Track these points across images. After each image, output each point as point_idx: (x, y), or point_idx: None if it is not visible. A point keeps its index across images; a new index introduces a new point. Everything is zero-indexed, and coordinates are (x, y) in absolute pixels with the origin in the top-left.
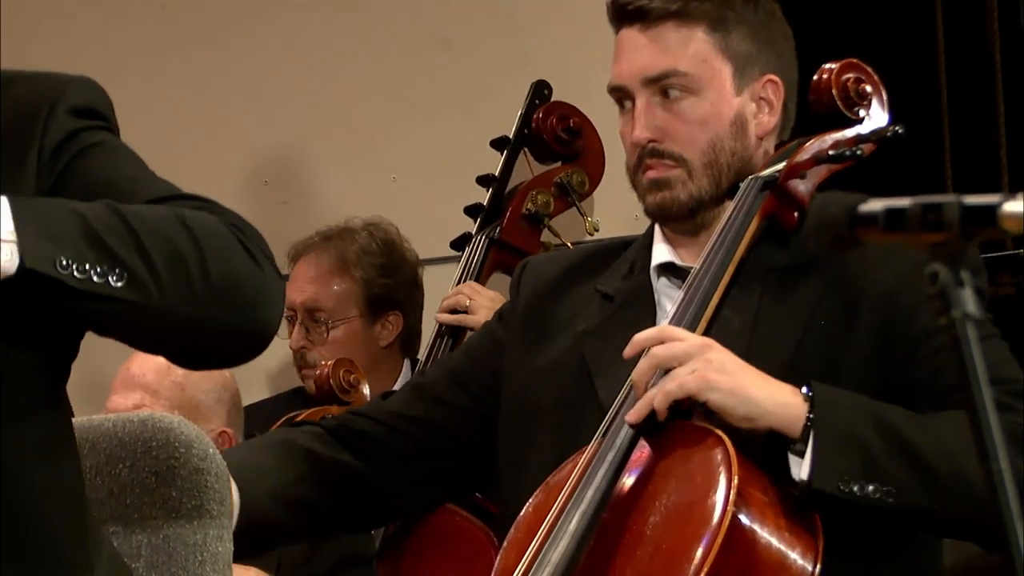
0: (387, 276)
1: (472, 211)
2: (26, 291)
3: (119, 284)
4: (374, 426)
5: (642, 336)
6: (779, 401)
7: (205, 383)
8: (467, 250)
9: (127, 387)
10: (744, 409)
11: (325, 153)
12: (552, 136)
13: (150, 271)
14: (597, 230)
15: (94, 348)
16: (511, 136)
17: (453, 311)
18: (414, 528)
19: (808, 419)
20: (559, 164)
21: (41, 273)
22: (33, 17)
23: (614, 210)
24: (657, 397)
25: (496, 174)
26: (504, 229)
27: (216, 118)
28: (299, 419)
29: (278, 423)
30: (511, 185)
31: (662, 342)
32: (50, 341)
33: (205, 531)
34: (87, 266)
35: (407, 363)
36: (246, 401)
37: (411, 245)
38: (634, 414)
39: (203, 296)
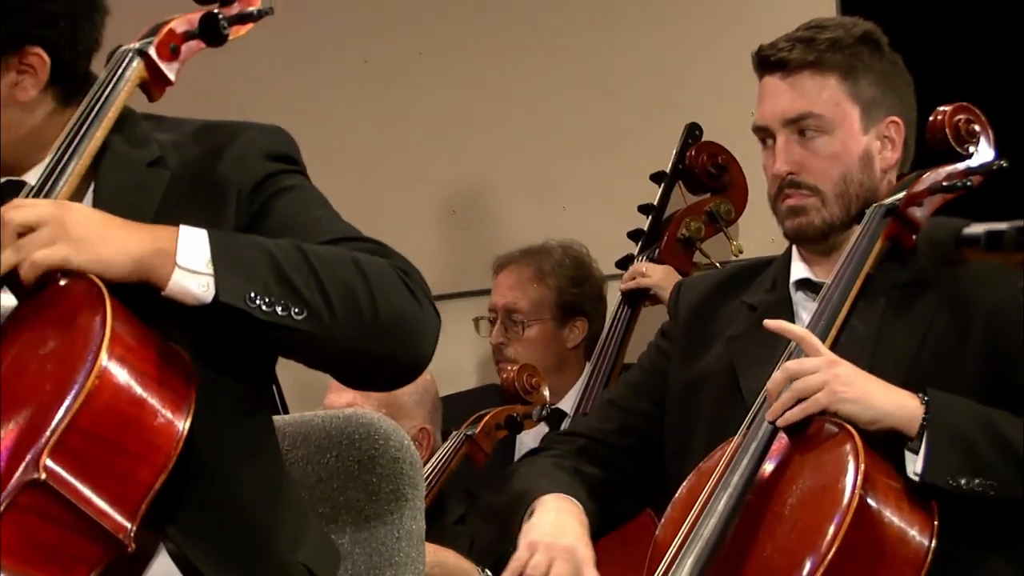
0: (576, 287)
1: (634, 235)
2: (220, 317)
3: (300, 317)
4: (590, 443)
5: (789, 326)
6: (898, 403)
7: (408, 386)
8: (634, 264)
9: (341, 387)
10: (869, 414)
11: (504, 186)
12: (703, 171)
13: (327, 306)
14: (741, 252)
15: None
16: (667, 171)
17: (632, 279)
18: None
19: (924, 420)
20: (708, 195)
21: (231, 306)
22: (248, 71)
23: (757, 234)
24: (794, 411)
25: (655, 203)
26: (662, 251)
27: (411, 156)
28: (487, 419)
29: (470, 420)
30: (667, 213)
31: (803, 342)
32: (249, 360)
33: (401, 511)
34: (272, 300)
35: (588, 365)
36: (451, 390)
37: (598, 265)
38: (772, 414)
39: (371, 329)
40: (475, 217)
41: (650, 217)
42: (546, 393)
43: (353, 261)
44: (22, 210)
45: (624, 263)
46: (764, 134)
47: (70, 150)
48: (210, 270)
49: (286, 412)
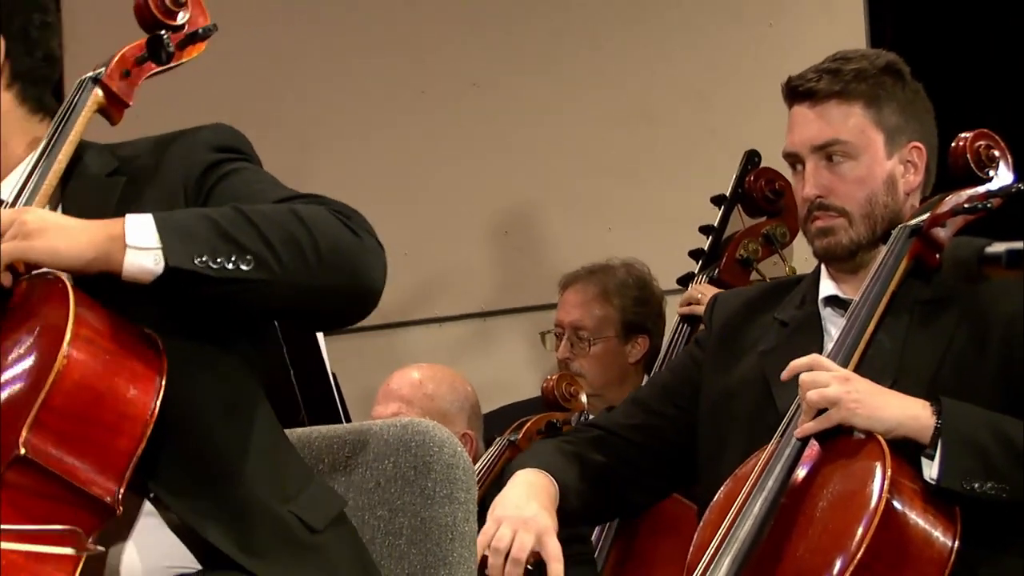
0: (639, 306)
1: (695, 254)
2: (178, 285)
3: (248, 268)
4: (606, 435)
5: (796, 363)
6: (910, 415)
7: (450, 395)
8: (691, 286)
9: (387, 399)
10: (882, 426)
11: (552, 209)
12: (761, 196)
13: (272, 253)
14: (796, 273)
15: (364, 370)
16: (727, 194)
17: (688, 304)
18: (647, 511)
19: (936, 428)
20: (765, 218)
21: (184, 269)
22: (314, 101)
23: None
24: (810, 424)
25: (715, 225)
26: (722, 270)
27: (466, 181)
28: (528, 425)
29: (512, 426)
30: (726, 235)
31: (812, 369)
32: (218, 328)
33: (455, 514)
34: (219, 258)
35: (647, 377)
36: (503, 399)
37: (659, 284)
38: (800, 432)
39: (316, 267)
40: (526, 238)
41: (710, 237)
42: (584, 400)
43: (290, 210)
44: None
45: (684, 280)
46: (794, 160)
47: (36, 172)
48: (158, 244)
49: (348, 421)
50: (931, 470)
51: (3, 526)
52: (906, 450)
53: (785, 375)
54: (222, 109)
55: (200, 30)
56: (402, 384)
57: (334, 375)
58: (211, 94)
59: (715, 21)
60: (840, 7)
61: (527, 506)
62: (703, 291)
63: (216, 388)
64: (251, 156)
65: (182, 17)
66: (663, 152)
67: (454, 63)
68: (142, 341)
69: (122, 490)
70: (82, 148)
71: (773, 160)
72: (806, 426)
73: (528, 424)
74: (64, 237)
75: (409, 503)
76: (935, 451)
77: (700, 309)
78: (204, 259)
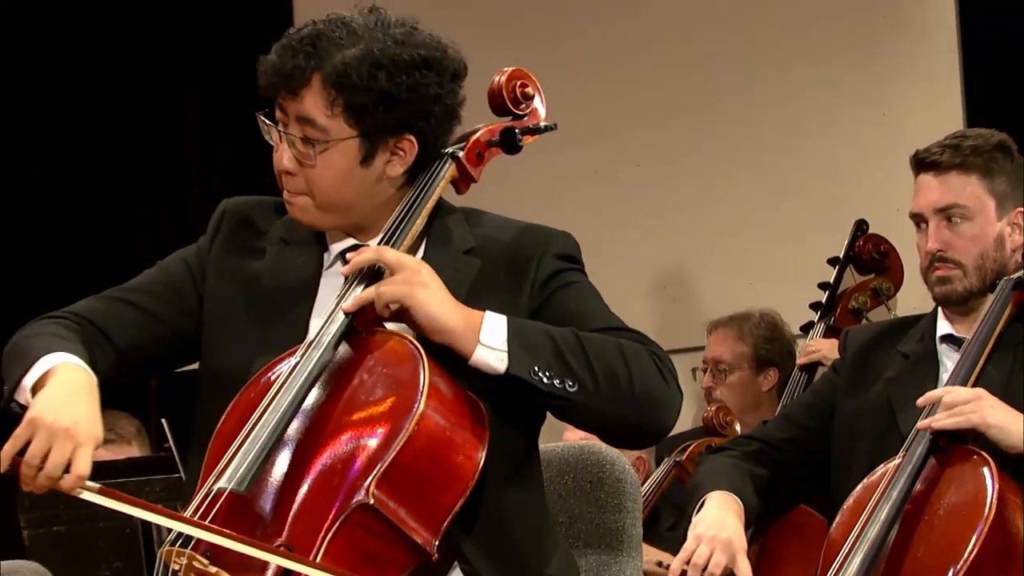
0: (768, 343)
1: (814, 306)
2: (508, 384)
3: (572, 389)
4: (765, 447)
5: (932, 394)
6: None
7: None
8: (811, 332)
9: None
10: (1010, 441)
11: (702, 266)
12: (869, 257)
13: (594, 381)
14: None
15: None
16: (840, 256)
17: (806, 355)
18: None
19: None
20: (873, 275)
21: (520, 377)
22: (508, 180)
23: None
24: (948, 422)
25: (831, 282)
26: (837, 319)
27: (632, 244)
28: (691, 448)
29: (677, 449)
30: (840, 290)
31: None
32: (527, 414)
33: (623, 520)
34: (551, 374)
35: (779, 404)
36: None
37: (789, 328)
38: (924, 424)
39: (626, 402)
40: (681, 291)
41: (827, 292)
42: (738, 428)
43: (617, 346)
44: (392, 252)
45: (806, 328)
46: (919, 219)
47: (399, 231)
48: (505, 348)
49: None
50: None
51: (341, 560)
52: (1008, 466)
53: (922, 402)
54: None
55: (543, 125)
56: None
57: None
58: None
59: (839, 110)
60: (941, 100)
61: (724, 528)
62: (816, 343)
63: (517, 463)
64: (582, 265)
65: (526, 107)
66: (795, 219)
67: (621, 147)
68: (473, 410)
69: (439, 541)
70: (440, 210)
71: (878, 227)
72: (944, 421)
73: (691, 447)
74: (439, 303)
75: (586, 511)
76: None
77: (816, 356)
78: (538, 371)
